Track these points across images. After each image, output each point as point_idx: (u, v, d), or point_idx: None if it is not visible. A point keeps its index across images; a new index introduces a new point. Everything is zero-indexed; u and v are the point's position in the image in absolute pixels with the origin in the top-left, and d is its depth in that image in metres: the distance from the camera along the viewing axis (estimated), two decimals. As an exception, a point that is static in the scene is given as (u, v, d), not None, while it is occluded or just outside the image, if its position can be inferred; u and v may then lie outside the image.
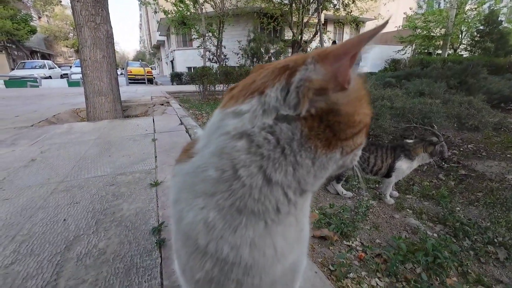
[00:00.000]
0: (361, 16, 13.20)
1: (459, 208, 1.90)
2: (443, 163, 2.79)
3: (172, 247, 0.50)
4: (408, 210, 1.86)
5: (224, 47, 12.27)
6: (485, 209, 1.87)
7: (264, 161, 0.34)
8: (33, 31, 20.93)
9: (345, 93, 0.33)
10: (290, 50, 13.35)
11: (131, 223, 1.18)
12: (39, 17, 28.48)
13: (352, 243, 1.45)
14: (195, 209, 0.39)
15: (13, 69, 16.22)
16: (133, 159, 2.06)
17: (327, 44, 15.31)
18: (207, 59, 11.48)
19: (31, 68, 14.55)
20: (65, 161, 2.03)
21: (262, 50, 11.05)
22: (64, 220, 1.20)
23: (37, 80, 11.59)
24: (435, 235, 1.57)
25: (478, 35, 13.31)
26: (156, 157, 2.13)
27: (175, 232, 0.48)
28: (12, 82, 11.49)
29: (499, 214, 1.78)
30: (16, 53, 21.73)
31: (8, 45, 20.17)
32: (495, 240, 1.49)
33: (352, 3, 10.99)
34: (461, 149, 3.28)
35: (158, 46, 33.21)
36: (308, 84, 0.31)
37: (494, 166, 2.69)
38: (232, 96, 0.38)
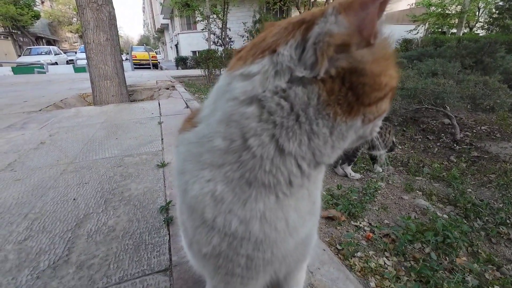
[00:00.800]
0: (371, -6, 12.53)
1: (470, 190, 1.85)
2: (455, 145, 2.72)
3: (178, 219, 0.49)
4: (417, 191, 1.83)
5: (229, 29, 11.95)
6: (498, 190, 1.82)
7: (276, 130, 0.31)
8: (36, 16, 20.77)
9: (371, 49, 0.28)
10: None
11: (139, 202, 1.19)
12: (42, 2, 28.14)
13: (360, 223, 1.44)
14: (201, 181, 0.37)
15: (19, 56, 16.28)
16: (140, 141, 2.06)
17: (336, 24, 14.66)
18: (211, 42, 11.24)
19: (37, 54, 14.58)
20: (73, 143, 2.05)
21: (268, 31, 10.66)
22: (74, 199, 1.22)
23: (44, 66, 11.64)
24: (445, 216, 1.55)
25: (497, 11, 12.52)
26: (162, 139, 2.13)
27: (180, 204, 0.46)
28: (19, 69, 11.58)
29: (512, 195, 1.73)
30: (21, 39, 21.72)
31: (13, 31, 20.14)
32: (508, 221, 1.46)
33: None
34: (474, 131, 3.17)
35: (162, 30, 32.63)
36: (328, 39, 0.27)
37: (508, 148, 2.60)
38: (240, 57, 0.34)
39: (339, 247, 1.23)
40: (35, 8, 21.03)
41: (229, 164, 0.34)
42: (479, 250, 1.25)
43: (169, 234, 0.98)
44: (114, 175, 1.47)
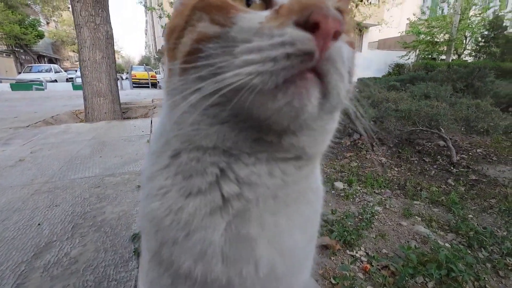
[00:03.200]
0: (364, 22, 13.15)
1: (471, 216, 1.76)
2: (452, 168, 2.65)
3: None
4: (416, 217, 1.72)
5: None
6: (500, 216, 1.73)
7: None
8: (40, 35, 21.27)
9: None
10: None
11: (111, 229, 1.07)
12: (48, 23, 29.03)
13: (356, 252, 1.32)
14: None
15: (20, 73, 16.44)
16: (125, 160, 1.96)
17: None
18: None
19: (38, 72, 14.73)
20: (54, 161, 1.94)
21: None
22: (39, 224, 1.10)
23: (43, 83, 11.70)
24: (447, 244, 1.44)
25: (483, 40, 13.17)
26: (149, 158, 2.03)
27: None
28: (18, 85, 11.61)
29: (516, 223, 1.64)
30: (23, 57, 22.06)
31: (16, 49, 20.51)
32: (515, 251, 1.35)
33: (355, 8, 10.94)
34: (470, 153, 3.13)
35: (163, 52, 33.54)
36: None
37: (506, 171, 2.54)
38: None
39: (333, 281, 1.10)
40: (39, 28, 21.60)
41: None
42: (486, 285, 1.14)
43: (138, 268, 0.86)
44: (89, 197, 1.35)
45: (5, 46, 20.07)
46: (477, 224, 1.60)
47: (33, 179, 1.59)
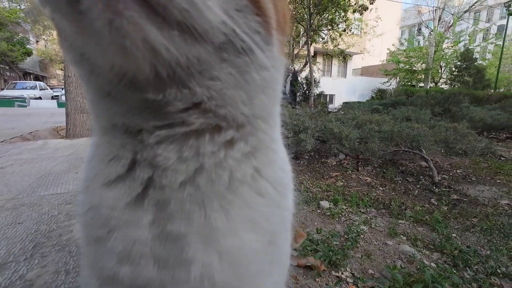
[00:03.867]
0: (348, 50, 13.98)
1: (455, 235, 1.76)
2: (434, 187, 2.70)
3: None
4: (401, 236, 1.70)
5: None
6: (483, 235, 1.74)
7: None
8: (28, 53, 21.10)
9: None
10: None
11: (77, 248, 0.98)
12: (37, 41, 28.98)
13: (342, 273, 1.27)
14: None
15: (2, 89, 15.99)
16: (103, 177, 1.87)
17: (317, 74, 15.97)
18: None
19: (22, 88, 14.39)
20: (24, 177, 1.82)
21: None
22: (-4, 243, 0.99)
23: (26, 100, 11.39)
24: (433, 264, 1.41)
25: (456, 70, 14.22)
26: (129, 175, 1.94)
27: None
28: (0, 102, 11.24)
29: (498, 242, 1.65)
30: (8, 73, 21.62)
31: (1, 66, 20.13)
32: (498, 270, 1.34)
33: (339, 37, 11.65)
34: (450, 173, 3.22)
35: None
36: None
37: (485, 191, 2.61)
38: None
39: (317, 305, 1.04)
40: (28, 46, 21.47)
41: None
42: (474, 307, 1.10)
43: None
44: (58, 214, 1.25)
45: (-11, 63, 19.69)
46: (461, 243, 1.59)
47: (-3, 196, 1.47)
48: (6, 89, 14.66)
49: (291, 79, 11.02)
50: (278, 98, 0.30)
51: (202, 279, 0.25)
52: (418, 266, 1.31)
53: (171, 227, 0.25)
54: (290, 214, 0.34)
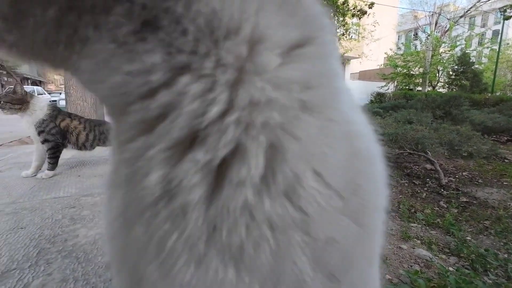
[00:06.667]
0: (346, 54, 14.10)
1: (470, 238, 1.71)
2: (442, 190, 2.66)
3: None
4: (415, 240, 1.66)
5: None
6: (498, 238, 1.70)
7: None
8: (26, 58, 21.07)
9: None
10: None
11: (84, 254, 0.92)
12: (35, 46, 28.93)
13: (359, 279, 1.21)
14: None
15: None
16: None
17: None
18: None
19: (19, 93, 14.32)
20: (24, 180, 1.76)
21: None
22: (-3, 249, 0.93)
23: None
24: (451, 268, 1.36)
25: (454, 73, 14.36)
26: (133, 178, 1.89)
27: None
28: (-5, 106, 11.14)
29: (514, 244, 1.61)
30: (6, 79, 21.53)
31: (-2, 70, 20.06)
32: (519, 274, 1.29)
33: (338, 41, 11.76)
34: (457, 176, 3.19)
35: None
36: None
37: (494, 193, 2.58)
38: None
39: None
40: (26, 51, 21.42)
41: None
42: (499, 313, 1.05)
43: (114, 300, 0.72)
44: (62, 218, 1.19)
45: (-13, 67, 19.63)
46: (478, 247, 1.55)
47: (-3, 200, 1.41)
48: (4, 93, 14.58)
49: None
50: None
51: None
52: (438, 271, 1.26)
53: (133, 233, 0.20)
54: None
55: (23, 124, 1.87)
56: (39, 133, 1.81)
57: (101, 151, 2.77)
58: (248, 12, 0.16)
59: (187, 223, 0.17)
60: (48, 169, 1.89)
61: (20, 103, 1.75)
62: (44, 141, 1.84)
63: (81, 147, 2.05)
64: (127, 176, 0.19)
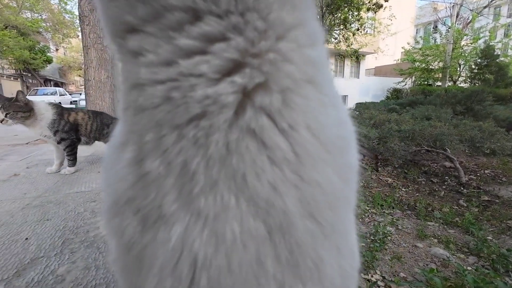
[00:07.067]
0: (361, 50, 13.73)
1: (490, 237, 1.65)
2: (462, 188, 2.56)
3: None
4: (432, 238, 1.61)
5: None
6: (522, 239, 1.62)
7: None
8: (49, 61, 22.05)
9: None
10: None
11: (104, 245, 0.97)
12: (57, 49, 30.29)
13: (372, 276, 1.20)
14: None
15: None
16: (124, 176, 1.88)
17: (329, 75, 15.68)
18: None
19: (43, 94, 15.04)
20: (49, 176, 1.87)
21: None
22: (26, 239, 1.00)
23: (46, 105, 11.89)
24: (469, 268, 1.32)
25: (477, 67, 13.65)
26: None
27: None
28: (21, 107, 11.78)
29: (540, 245, 1.53)
30: (30, 81, 22.68)
31: (24, 73, 21.15)
32: (545, 276, 1.23)
33: (352, 36, 11.46)
34: (478, 174, 3.06)
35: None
36: None
37: (519, 192, 2.45)
38: None
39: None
40: (48, 54, 22.45)
41: None
42: (522, 315, 1.01)
43: None
44: (84, 211, 1.26)
45: (14, 70, 20.73)
46: (499, 247, 1.48)
47: (25, 193, 1.50)
48: (29, 95, 15.35)
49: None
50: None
51: (182, 247, 0.20)
52: (455, 270, 1.22)
53: (148, 166, 0.21)
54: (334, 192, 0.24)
55: (31, 132, 1.91)
56: (55, 133, 1.84)
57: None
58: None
59: (209, 145, 0.20)
60: (69, 166, 1.96)
61: (28, 110, 1.73)
62: (61, 140, 1.87)
63: (92, 138, 2.12)
64: (161, 97, 0.20)
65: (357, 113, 6.53)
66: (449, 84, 15.11)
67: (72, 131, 1.94)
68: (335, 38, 11.92)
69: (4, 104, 1.69)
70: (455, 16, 14.46)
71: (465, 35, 14.69)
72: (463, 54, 14.52)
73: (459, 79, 15.80)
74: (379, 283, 1.18)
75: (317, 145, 0.22)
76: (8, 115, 1.68)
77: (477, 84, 13.17)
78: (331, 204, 0.23)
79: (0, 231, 1.06)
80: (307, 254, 0.22)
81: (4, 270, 0.82)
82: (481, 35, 14.93)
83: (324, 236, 0.23)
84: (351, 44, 11.94)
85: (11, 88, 20.11)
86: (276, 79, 0.21)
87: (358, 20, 10.53)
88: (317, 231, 0.22)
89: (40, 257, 0.89)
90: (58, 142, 1.89)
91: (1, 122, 1.72)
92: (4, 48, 16.36)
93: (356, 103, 8.99)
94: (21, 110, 1.71)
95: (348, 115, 0.28)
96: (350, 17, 10.31)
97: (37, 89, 16.30)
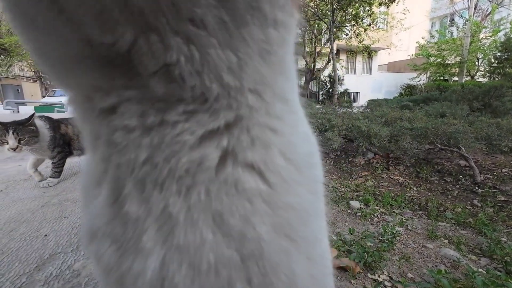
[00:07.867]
0: (373, 46, 13.44)
1: (505, 239, 1.60)
2: (477, 188, 2.49)
3: None
4: (442, 239, 1.58)
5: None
6: (539, 241, 1.56)
7: None
8: (66, 63, 22.85)
9: None
10: (303, 78, 13.62)
11: (117, 241, 1.03)
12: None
13: (379, 276, 1.20)
14: None
15: (44, 97, 17.48)
16: (136, 175, 1.95)
17: (340, 71, 15.49)
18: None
19: (60, 95, 15.59)
20: (67, 175, 1.96)
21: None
22: (45, 235, 1.07)
23: (64, 106, 12.35)
24: (480, 270, 1.29)
25: (496, 61, 13.05)
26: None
27: None
28: (41, 108, 12.28)
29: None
30: (48, 82, 23.66)
31: (42, 75, 22.07)
32: (562, 280, 1.19)
33: (364, 32, 11.23)
34: (495, 173, 2.95)
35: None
36: None
37: (538, 193, 2.35)
38: None
39: (355, 308, 0.99)
40: (65, 56, 23.24)
41: None
42: (534, 319, 0.99)
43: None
44: (98, 209, 1.33)
45: (33, 72, 21.66)
46: (514, 249, 1.44)
47: (44, 192, 1.59)
48: (47, 96, 15.99)
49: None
50: (284, 68, 0.22)
51: (160, 277, 0.21)
52: (465, 271, 1.20)
53: (127, 208, 0.22)
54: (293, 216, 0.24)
55: (36, 156, 1.74)
56: (53, 149, 1.68)
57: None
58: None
59: (191, 195, 0.21)
60: (52, 177, 1.79)
61: (38, 133, 1.55)
62: (56, 154, 1.73)
63: (84, 150, 2.07)
64: None
65: (369, 110, 6.40)
66: (467, 79, 14.54)
67: (65, 144, 1.80)
68: (346, 34, 11.71)
69: (16, 129, 1.43)
70: (473, 8, 13.87)
71: (484, 27, 14.07)
72: (481, 48, 13.91)
73: (477, 74, 15.16)
74: (386, 283, 1.18)
75: (290, 169, 0.23)
76: (22, 141, 1.45)
77: (496, 79, 12.59)
78: (303, 220, 0.24)
79: (23, 227, 1.13)
80: (280, 271, 0.22)
81: (26, 264, 0.88)
82: (501, 27, 14.24)
83: (297, 251, 0.23)
84: (363, 40, 11.71)
85: (30, 90, 21.04)
86: (255, 133, 0.21)
87: (370, 15, 10.29)
88: (291, 248, 0.23)
89: (58, 252, 0.95)
90: (54, 157, 1.75)
91: (15, 150, 1.45)
92: (24, 52, 17.12)
93: (368, 100, 8.83)
94: (35, 135, 1.52)
95: (307, 124, 0.28)
96: (361, 13, 10.10)
97: (55, 90, 16.93)
